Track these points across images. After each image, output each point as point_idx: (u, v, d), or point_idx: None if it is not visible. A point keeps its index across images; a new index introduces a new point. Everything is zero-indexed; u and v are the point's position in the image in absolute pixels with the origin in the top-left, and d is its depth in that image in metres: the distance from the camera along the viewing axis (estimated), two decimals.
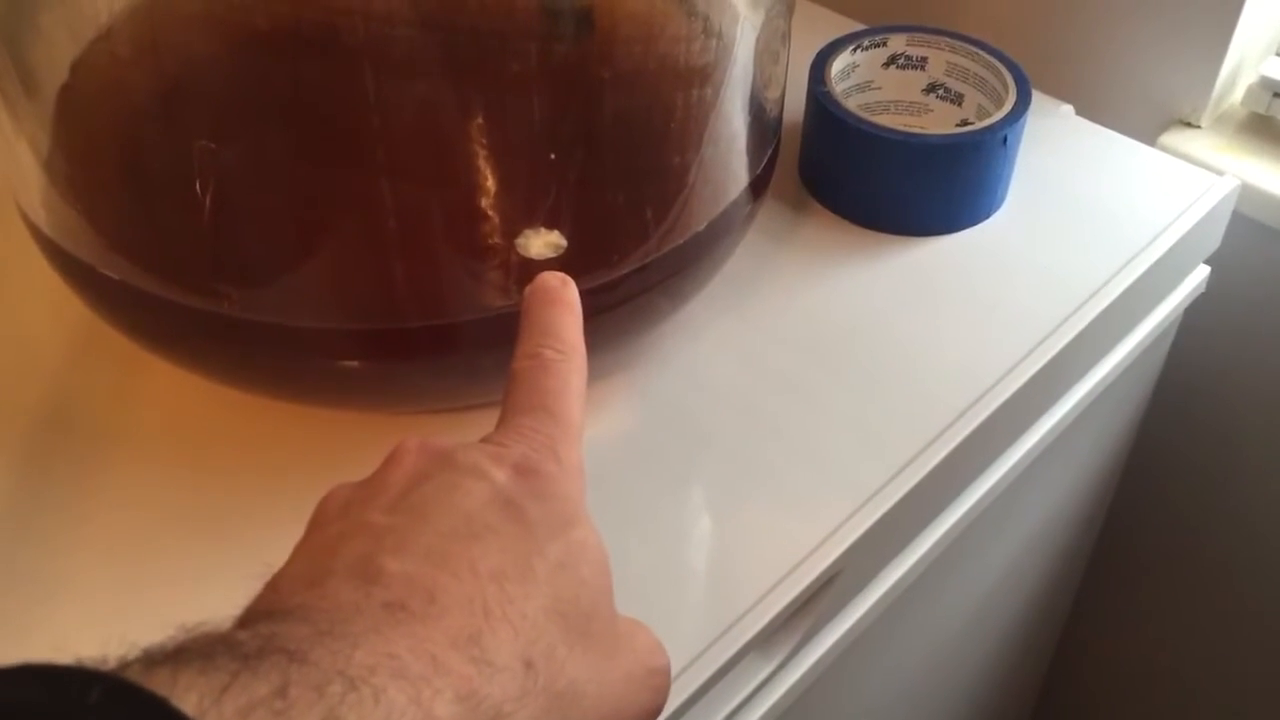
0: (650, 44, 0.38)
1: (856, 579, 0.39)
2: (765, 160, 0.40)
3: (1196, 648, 0.72)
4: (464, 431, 0.39)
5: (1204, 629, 0.71)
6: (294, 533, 0.35)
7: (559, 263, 0.36)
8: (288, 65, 0.36)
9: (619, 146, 0.38)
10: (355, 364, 0.36)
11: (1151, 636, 0.74)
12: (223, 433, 0.39)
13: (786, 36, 0.40)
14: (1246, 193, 0.52)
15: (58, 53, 0.37)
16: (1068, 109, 0.53)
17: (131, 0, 0.35)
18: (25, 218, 0.37)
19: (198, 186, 0.35)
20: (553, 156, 0.36)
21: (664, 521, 0.37)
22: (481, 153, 0.37)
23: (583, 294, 0.36)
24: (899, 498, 0.37)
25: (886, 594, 0.41)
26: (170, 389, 0.39)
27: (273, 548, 0.35)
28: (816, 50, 0.48)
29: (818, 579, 0.36)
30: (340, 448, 0.39)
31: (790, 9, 0.39)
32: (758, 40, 0.37)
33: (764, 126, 0.40)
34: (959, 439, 0.39)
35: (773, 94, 0.40)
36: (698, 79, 0.37)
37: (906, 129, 0.45)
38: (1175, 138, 0.55)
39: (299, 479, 0.37)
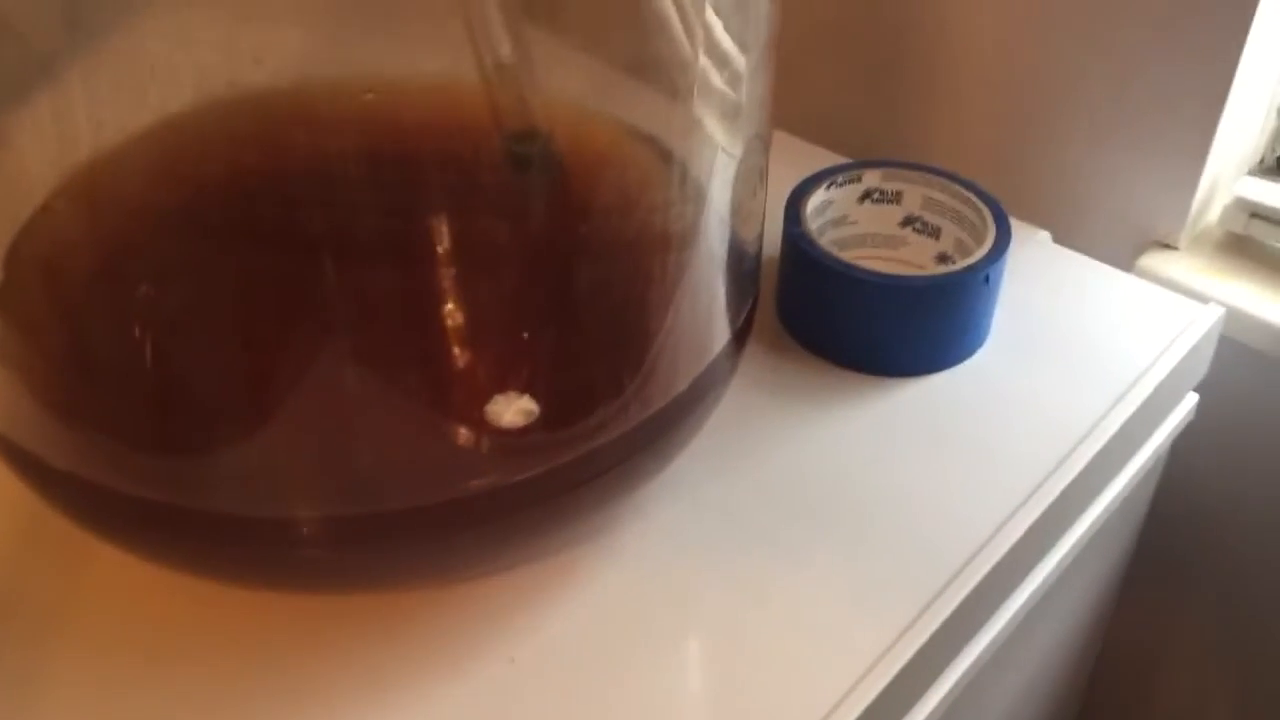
0: (625, 195, 0.37)
1: None
2: (746, 311, 0.39)
3: None
4: (435, 610, 0.37)
5: None
6: None
7: (534, 430, 0.34)
8: (239, 245, 0.34)
9: (591, 307, 0.36)
10: (326, 553, 0.33)
11: None
12: (179, 622, 0.36)
13: (764, 174, 0.39)
14: (1228, 314, 0.51)
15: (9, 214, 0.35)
16: (1044, 235, 0.53)
17: (67, 175, 0.34)
18: None
19: (150, 369, 0.33)
20: (524, 325, 0.35)
21: (649, 695, 0.35)
22: (447, 322, 0.35)
23: (563, 465, 0.34)
24: (900, 666, 0.35)
25: None
26: (122, 575, 0.37)
27: None
28: (790, 185, 0.47)
29: None
30: (303, 632, 0.36)
31: (767, 145, 0.38)
32: (736, 180, 0.36)
33: (744, 275, 0.38)
34: (961, 596, 0.37)
35: (751, 234, 0.38)
36: (675, 229, 0.36)
37: (889, 267, 0.44)
38: (1153, 259, 0.55)
39: (264, 671, 0.35)
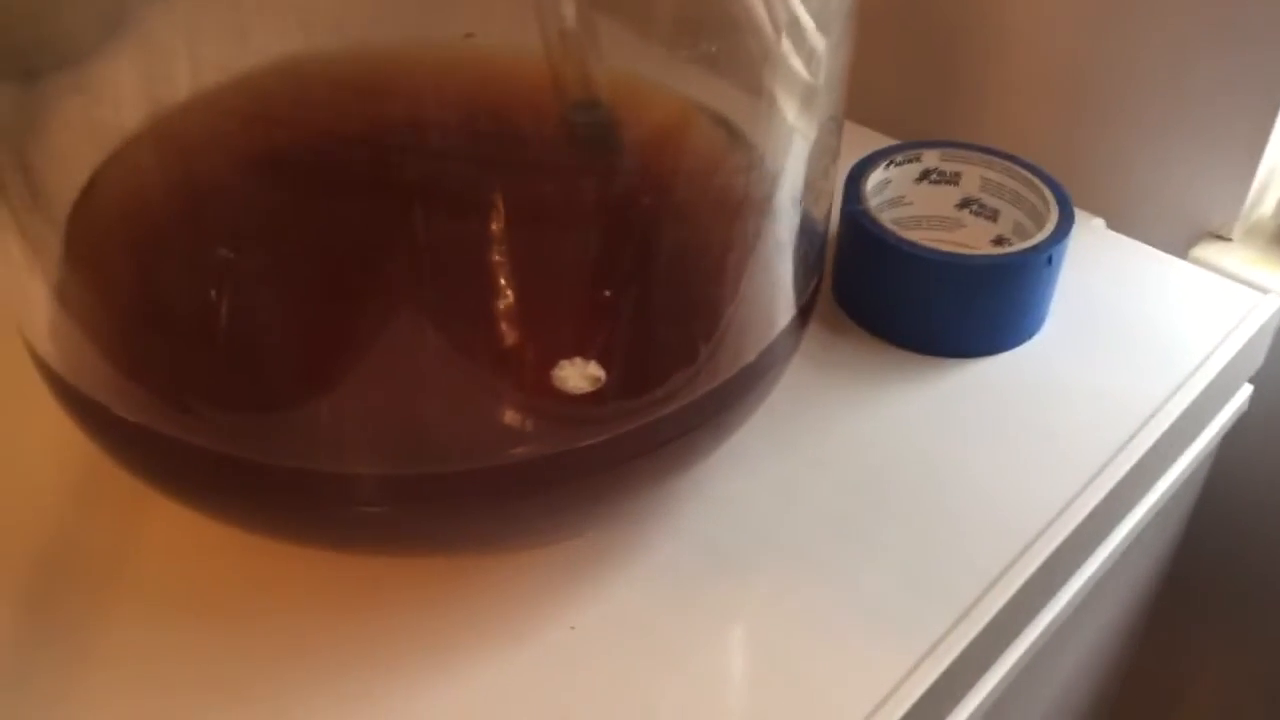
0: (699, 171, 0.37)
1: None
2: (812, 288, 0.38)
3: None
4: (497, 577, 0.37)
5: None
6: (316, 685, 0.33)
7: (600, 398, 0.34)
8: (317, 193, 0.34)
9: (661, 277, 0.36)
10: (389, 510, 0.33)
11: None
12: (237, 577, 0.36)
13: (836, 154, 0.38)
14: None
15: (71, 172, 0.35)
16: (1099, 223, 0.52)
17: (150, 118, 0.34)
18: (32, 352, 0.35)
19: (223, 319, 0.33)
20: (605, 291, 0.34)
21: (706, 666, 0.35)
22: (513, 286, 0.35)
23: (627, 434, 0.34)
24: (964, 646, 0.35)
25: None
26: (180, 529, 0.37)
27: (292, 701, 0.32)
28: (845, 166, 0.46)
29: None
30: (364, 594, 0.36)
31: (840, 125, 0.38)
32: (809, 159, 0.36)
33: (812, 251, 0.38)
34: (1025, 576, 0.37)
35: (820, 212, 0.38)
36: (747, 205, 0.36)
37: (946, 248, 0.43)
38: (1207, 250, 0.54)
39: (322, 628, 0.35)
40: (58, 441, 0.39)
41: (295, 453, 0.33)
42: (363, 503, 0.33)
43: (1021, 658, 0.40)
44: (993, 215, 0.48)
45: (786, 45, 0.34)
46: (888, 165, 0.47)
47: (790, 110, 0.36)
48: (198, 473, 0.33)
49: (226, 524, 0.35)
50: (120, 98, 0.32)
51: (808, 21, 0.34)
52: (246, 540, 0.36)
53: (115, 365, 0.33)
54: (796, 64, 0.35)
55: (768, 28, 0.34)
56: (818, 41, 0.35)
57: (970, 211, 0.48)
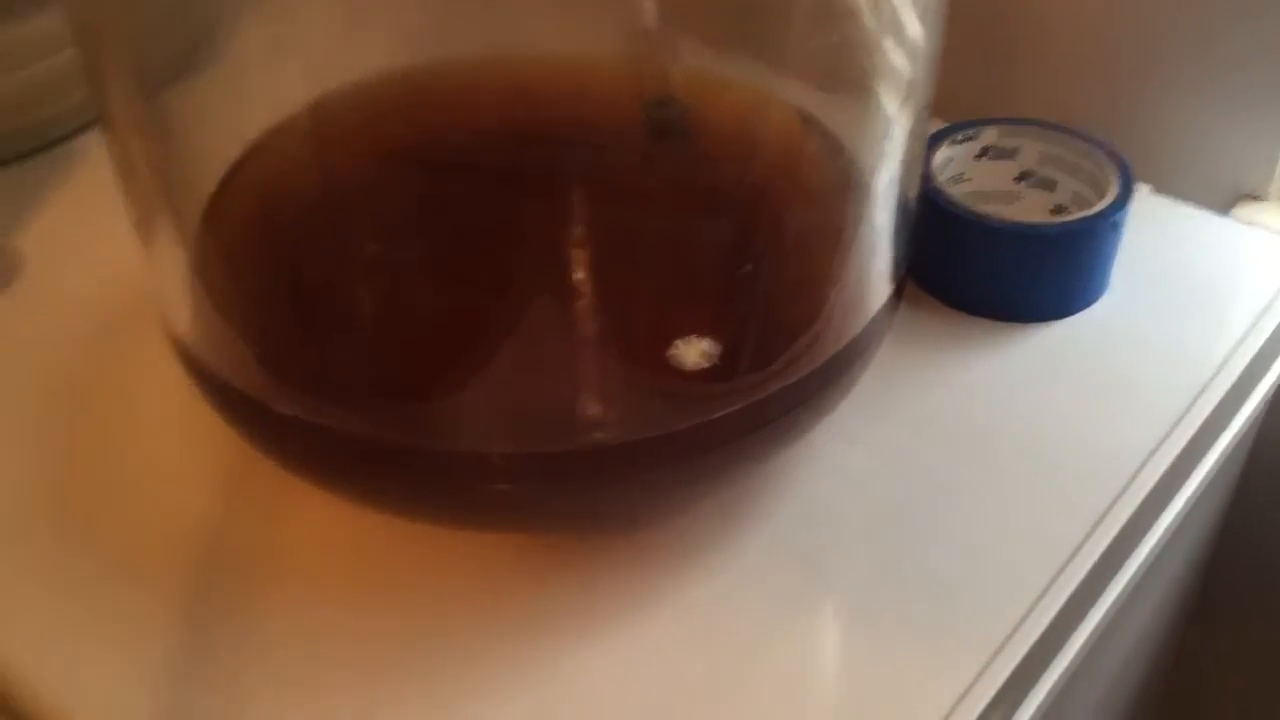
0: (811, 163, 0.39)
1: (1028, 679, 0.38)
2: (906, 264, 0.40)
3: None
4: (632, 548, 0.39)
5: None
6: (466, 658, 0.35)
7: (713, 373, 0.36)
8: (447, 184, 0.36)
9: (774, 258, 0.38)
10: (530, 488, 0.35)
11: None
12: (385, 562, 0.38)
13: (926, 138, 0.40)
14: None
15: (208, 166, 0.37)
16: (1145, 188, 0.54)
17: (290, 109, 0.36)
18: (179, 348, 0.36)
19: (369, 308, 0.35)
20: (722, 274, 0.36)
21: (834, 619, 0.37)
22: (626, 269, 0.37)
23: (738, 411, 0.36)
24: (1071, 590, 0.37)
25: (1053, 687, 0.40)
26: (326, 517, 0.39)
27: (444, 672, 0.33)
28: None
29: (1007, 683, 0.35)
30: (504, 573, 0.38)
31: (930, 111, 0.40)
32: (906, 145, 0.38)
33: (906, 230, 0.40)
34: (1125, 517, 0.39)
35: (913, 192, 0.40)
36: (850, 192, 0.38)
37: (1015, 219, 0.45)
38: (1244, 211, 0.57)
39: (468, 605, 0.37)
40: (196, 436, 0.41)
41: (444, 436, 0.35)
42: (505, 481, 0.35)
43: (1112, 605, 0.42)
44: (1050, 186, 0.50)
45: (889, 40, 0.37)
46: (950, 144, 0.49)
47: (892, 102, 0.38)
48: (348, 461, 0.35)
49: (376, 510, 0.37)
50: (253, 95, 0.34)
51: (909, 14, 0.36)
52: (390, 525, 0.38)
53: (265, 358, 0.35)
54: (899, 57, 0.37)
55: (872, 23, 0.36)
56: (918, 33, 0.37)
57: (1028, 184, 0.51)
